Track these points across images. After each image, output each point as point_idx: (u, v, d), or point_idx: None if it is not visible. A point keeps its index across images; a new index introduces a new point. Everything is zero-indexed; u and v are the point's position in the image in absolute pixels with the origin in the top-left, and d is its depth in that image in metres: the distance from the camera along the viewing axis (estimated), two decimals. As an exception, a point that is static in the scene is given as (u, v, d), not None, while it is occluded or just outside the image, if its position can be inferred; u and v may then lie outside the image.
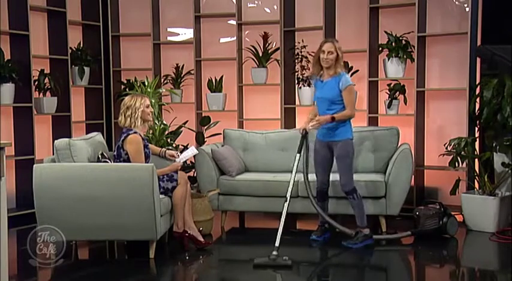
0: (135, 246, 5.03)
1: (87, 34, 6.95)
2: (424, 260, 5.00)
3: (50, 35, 6.57)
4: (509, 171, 5.35)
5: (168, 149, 5.32)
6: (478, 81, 5.86)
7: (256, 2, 7.00)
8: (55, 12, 6.44)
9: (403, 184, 5.35)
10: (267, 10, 6.95)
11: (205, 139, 6.44)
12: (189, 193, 5.04)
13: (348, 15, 6.57)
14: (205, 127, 6.48)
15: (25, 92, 6.08)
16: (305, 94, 6.58)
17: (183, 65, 7.00)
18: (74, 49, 6.68)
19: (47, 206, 4.58)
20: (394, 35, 6.12)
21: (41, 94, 6.31)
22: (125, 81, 6.96)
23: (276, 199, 5.48)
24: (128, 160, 4.79)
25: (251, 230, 6.07)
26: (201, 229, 5.07)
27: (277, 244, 4.59)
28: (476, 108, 5.72)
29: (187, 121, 6.54)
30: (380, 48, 6.24)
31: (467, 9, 5.96)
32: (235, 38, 6.81)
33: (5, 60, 5.92)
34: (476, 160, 5.62)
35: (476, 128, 5.82)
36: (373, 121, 6.31)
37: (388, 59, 6.15)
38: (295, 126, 6.69)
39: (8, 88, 5.94)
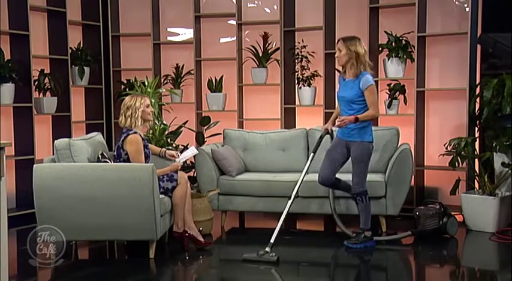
0: (135, 246, 5.03)
1: (87, 34, 6.95)
2: (424, 260, 5.00)
3: (50, 35, 6.57)
4: (509, 171, 5.35)
5: (168, 149, 5.32)
6: (478, 81, 5.86)
7: (256, 2, 7.00)
8: (55, 12, 6.44)
9: (403, 184, 5.35)
10: (267, 10, 6.95)
11: (205, 139, 6.44)
12: (189, 193, 5.03)
13: (348, 15, 6.57)
14: (205, 127, 6.48)
15: (25, 92, 6.08)
16: (305, 94, 6.58)
17: (183, 65, 7.00)
18: (74, 49, 6.68)
19: (47, 206, 4.58)
20: (394, 35, 6.12)
21: (41, 94, 6.31)
22: (125, 81, 6.97)
23: (276, 198, 5.48)
24: (127, 160, 4.79)
25: (251, 230, 6.08)
26: (201, 229, 5.07)
27: (272, 240, 4.61)
28: (476, 108, 5.72)
29: (187, 121, 6.55)
30: (380, 48, 6.24)
31: (467, 9, 5.96)
32: (235, 38, 6.81)
33: (5, 60, 5.92)
34: (476, 160, 5.62)
35: (476, 128, 5.82)
36: (373, 121, 6.29)
37: (388, 59, 6.16)
38: (295, 126, 6.70)
39: (8, 88, 5.94)
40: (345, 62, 4.86)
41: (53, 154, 4.85)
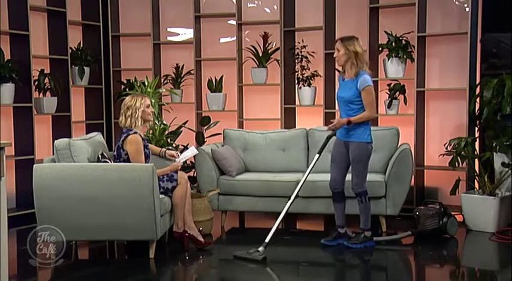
0: (135, 246, 5.03)
1: (87, 34, 6.95)
2: (424, 260, 5.00)
3: (50, 35, 6.57)
4: (509, 171, 5.35)
5: (168, 149, 5.32)
6: (478, 81, 5.86)
7: (256, 2, 7.00)
8: (55, 12, 6.44)
9: (403, 184, 5.36)
10: (267, 10, 6.95)
11: (205, 139, 6.44)
12: (189, 193, 5.03)
13: (348, 15, 6.57)
14: (205, 127, 6.48)
15: (25, 92, 6.08)
16: (305, 94, 6.58)
17: (183, 65, 7.00)
18: (74, 49, 6.68)
19: (47, 206, 4.58)
20: (394, 35, 6.12)
21: (41, 94, 6.31)
22: (125, 81, 6.96)
23: (276, 199, 5.48)
24: (127, 160, 4.79)
25: (251, 230, 6.08)
26: (201, 229, 5.07)
27: (266, 240, 4.62)
28: (476, 108, 5.72)
29: (187, 121, 6.55)
30: (380, 48, 6.24)
31: (467, 9, 5.96)
32: (235, 38, 6.81)
33: (5, 60, 5.92)
34: (476, 160, 5.62)
35: (476, 128, 5.82)
36: (373, 121, 6.27)
37: (388, 59, 6.15)
38: (295, 127, 6.70)
39: (8, 88, 5.94)
40: (344, 62, 4.85)
41: (53, 154, 4.85)
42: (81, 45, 6.78)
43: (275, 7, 6.81)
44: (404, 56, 6.09)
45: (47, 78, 6.24)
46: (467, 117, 5.83)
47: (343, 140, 4.93)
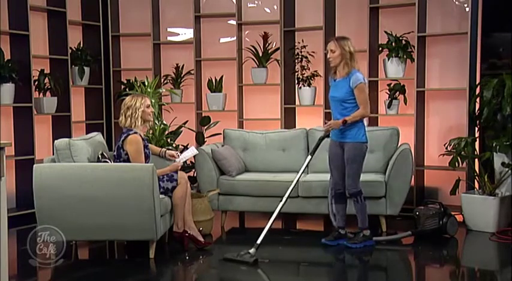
0: (135, 246, 5.03)
1: (87, 34, 6.95)
2: (424, 260, 4.99)
3: (50, 35, 6.57)
4: (509, 171, 5.35)
5: (168, 149, 5.32)
6: (478, 81, 5.86)
7: (256, 2, 7.00)
8: (55, 12, 6.44)
9: (403, 184, 5.36)
10: (267, 10, 6.95)
11: (205, 139, 6.44)
12: (189, 193, 5.03)
13: (348, 15, 6.57)
14: (205, 127, 6.48)
15: (25, 92, 6.08)
16: (305, 94, 6.58)
17: (183, 65, 7.00)
18: (74, 49, 6.68)
19: (47, 206, 4.58)
20: (394, 35, 6.12)
21: (41, 94, 6.31)
22: (125, 81, 6.97)
23: (276, 199, 5.45)
24: (127, 160, 4.79)
25: (251, 230, 6.06)
26: (201, 229, 5.07)
27: (258, 241, 4.61)
28: (476, 108, 5.72)
29: (187, 121, 6.55)
30: (380, 48, 6.24)
31: (467, 9, 5.96)
32: (235, 38, 6.81)
33: (5, 60, 5.92)
34: (476, 160, 5.62)
35: (476, 128, 5.82)
36: (373, 121, 6.31)
37: (388, 59, 6.16)
38: (295, 127, 6.70)
39: (8, 88, 5.94)
40: (339, 63, 4.82)
41: (53, 154, 4.85)
42: (81, 45, 6.78)
43: (275, 7, 6.81)
44: (404, 56, 6.09)
45: (47, 78, 6.24)
46: (467, 117, 5.83)
47: (338, 140, 4.92)
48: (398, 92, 6.16)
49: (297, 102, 6.75)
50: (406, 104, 6.17)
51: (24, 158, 6.04)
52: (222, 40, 7.13)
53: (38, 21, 6.44)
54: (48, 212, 4.56)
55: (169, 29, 7.23)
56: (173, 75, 7.04)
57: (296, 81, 6.67)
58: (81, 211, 4.55)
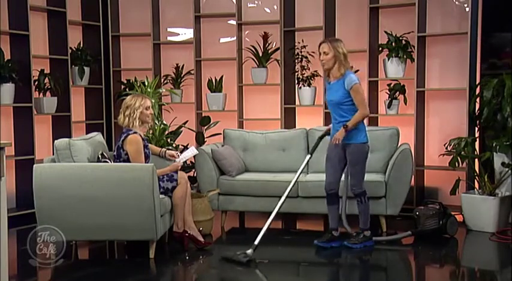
0: (135, 246, 5.03)
1: (87, 34, 6.95)
2: (424, 260, 4.99)
3: (50, 35, 6.57)
4: (509, 171, 5.35)
5: (168, 149, 5.32)
6: (478, 81, 5.86)
7: (256, 2, 7.00)
8: (55, 12, 6.44)
9: (403, 184, 5.36)
10: (267, 10, 6.95)
11: (205, 139, 6.45)
12: (189, 193, 5.03)
13: (348, 15, 6.57)
14: (205, 127, 6.48)
15: (25, 92, 6.08)
16: (305, 94, 6.58)
17: (183, 65, 7.00)
18: (74, 49, 6.68)
19: (47, 206, 4.58)
20: (394, 35, 6.12)
21: (41, 94, 6.31)
22: (125, 81, 6.97)
23: (276, 199, 5.45)
24: (127, 160, 4.79)
25: (251, 230, 6.04)
26: (201, 229, 5.07)
27: (256, 242, 4.60)
28: (476, 108, 5.73)
29: (187, 121, 6.55)
30: (380, 48, 6.24)
31: (467, 9, 5.96)
32: (235, 38, 6.81)
33: (5, 60, 5.92)
34: (476, 160, 5.62)
35: (476, 128, 5.82)
36: (373, 121, 6.31)
37: (388, 59, 6.16)
38: (295, 127, 6.70)
39: (8, 88, 5.94)
40: (332, 65, 4.79)
41: (53, 154, 4.85)
42: (81, 45, 6.78)
43: (275, 7, 6.81)
44: (404, 56, 6.09)
45: (47, 78, 6.24)
46: (467, 117, 5.83)
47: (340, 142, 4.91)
48: (398, 92, 6.16)
49: (297, 102, 6.75)
50: (406, 104, 6.17)
51: (24, 158, 6.05)
52: (222, 40, 7.13)
53: (38, 21, 6.44)
54: (48, 212, 4.56)
55: (169, 29, 7.23)
56: (173, 75, 7.04)
57: (296, 81, 6.67)
58: (81, 211, 4.55)
